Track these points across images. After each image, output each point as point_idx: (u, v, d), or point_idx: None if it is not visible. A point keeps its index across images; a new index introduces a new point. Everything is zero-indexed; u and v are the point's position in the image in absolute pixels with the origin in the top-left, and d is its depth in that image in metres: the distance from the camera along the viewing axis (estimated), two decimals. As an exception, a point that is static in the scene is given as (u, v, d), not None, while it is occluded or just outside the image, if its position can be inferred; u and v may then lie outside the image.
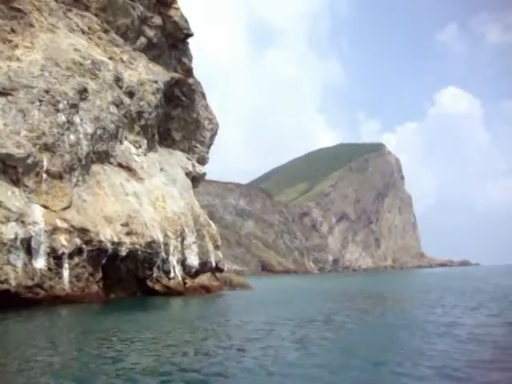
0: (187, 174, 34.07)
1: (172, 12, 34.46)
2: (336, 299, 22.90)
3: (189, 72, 35.59)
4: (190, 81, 35.57)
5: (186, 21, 35.09)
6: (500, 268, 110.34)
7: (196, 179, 35.99)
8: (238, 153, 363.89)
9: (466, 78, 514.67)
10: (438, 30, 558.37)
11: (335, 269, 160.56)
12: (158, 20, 34.20)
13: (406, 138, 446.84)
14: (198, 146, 37.19)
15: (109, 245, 21.25)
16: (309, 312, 15.55)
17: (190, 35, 35.50)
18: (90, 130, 24.20)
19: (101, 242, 20.90)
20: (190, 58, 36.10)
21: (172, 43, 35.11)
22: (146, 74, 31.85)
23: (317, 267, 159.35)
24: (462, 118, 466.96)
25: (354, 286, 41.78)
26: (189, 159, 35.74)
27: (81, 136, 23.20)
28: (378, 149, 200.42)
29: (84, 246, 20.37)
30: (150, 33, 34.09)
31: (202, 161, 37.64)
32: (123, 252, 21.98)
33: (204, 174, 36.82)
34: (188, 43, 36.33)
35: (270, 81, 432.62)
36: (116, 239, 21.72)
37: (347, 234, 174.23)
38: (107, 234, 21.43)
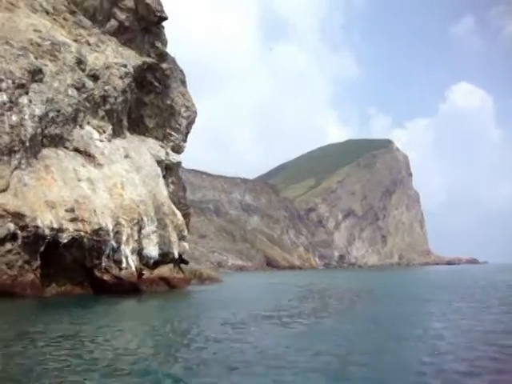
0: (159, 162, 32.82)
1: (144, -6, 33.16)
2: (296, 298, 21.41)
3: (162, 57, 34.29)
4: (164, 66, 34.27)
5: (160, 3, 33.79)
6: (507, 266, 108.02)
7: (170, 167, 34.72)
8: (247, 148, 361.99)
9: (479, 73, 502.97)
10: (453, 23, 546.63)
11: (341, 265, 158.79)
12: (129, 2, 32.92)
13: (416, 134, 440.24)
14: (173, 133, 35.92)
15: (47, 231, 20.10)
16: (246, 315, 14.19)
17: (164, 18, 34.19)
18: (38, 112, 23.06)
19: (37, 227, 19.75)
20: (163, 42, 34.80)
21: (145, 27, 33.85)
22: (113, 58, 30.63)
23: (322, 263, 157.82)
24: (473, 114, 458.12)
25: (339, 282, 40.41)
26: (162, 147, 34.50)
27: (26, 117, 22.05)
28: (386, 145, 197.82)
29: (19, 231, 19.25)
30: (122, 16, 32.87)
31: (178, 149, 36.37)
32: (64, 239, 20.81)
33: (179, 162, 35.54)
34: (163, 27, 35.04)
35: (281, 74, 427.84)
36: (56, 225, 20.56)
37: (354, 231, 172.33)
38: (46, 220, 20.28)
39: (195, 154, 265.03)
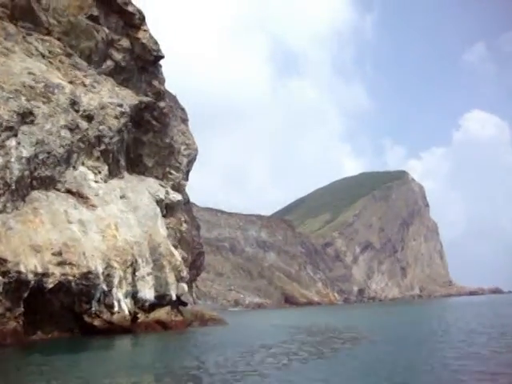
0: (158, 202, 32.19)
1: (140, 34, 33.29)
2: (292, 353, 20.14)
3: (160, 95, 34.15)
4: (161, 104, 34.05)
5: (156, 42, 33.86)
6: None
7: (170, 207, 34.05)
8: (262, 184, 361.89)
9: (493, 99, 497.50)
10: (465, 50, 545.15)
11: (361, 299, 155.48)
12: (125, 43, 33.06)
13: (432, 163, 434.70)
14: (173, 172, 35.48)
15: (30, 276, 19.34)
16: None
17: (161, 57, 34.23)
18: (26, 154, 22.66)
19: (20, 272, 19.01)
20: (161, 81, 34.74)
21: (142, 66, 33.86)
22: (108, 98, 30.45)
23: (342, 298, 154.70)
24: (489, 141, 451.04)
25: (349, 321, 38.78)
26: (162, 186, 33.96)
27: (12, 159, 21.64)
28: (401, 177, 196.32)
29: (0, 277, 18.52)
30: (118, 56, 32.94)
31: (178, 187, 35.85)
32: (50, 284, 20.02)
33: (179, 200, 34.83)
34: (160, 66, 35.06)
35: (294, 108, 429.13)
36: (41, 270, 19.81)
37: (372, 264, 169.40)
38: (30, 265, 19.55)
39: (212, 192, 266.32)
